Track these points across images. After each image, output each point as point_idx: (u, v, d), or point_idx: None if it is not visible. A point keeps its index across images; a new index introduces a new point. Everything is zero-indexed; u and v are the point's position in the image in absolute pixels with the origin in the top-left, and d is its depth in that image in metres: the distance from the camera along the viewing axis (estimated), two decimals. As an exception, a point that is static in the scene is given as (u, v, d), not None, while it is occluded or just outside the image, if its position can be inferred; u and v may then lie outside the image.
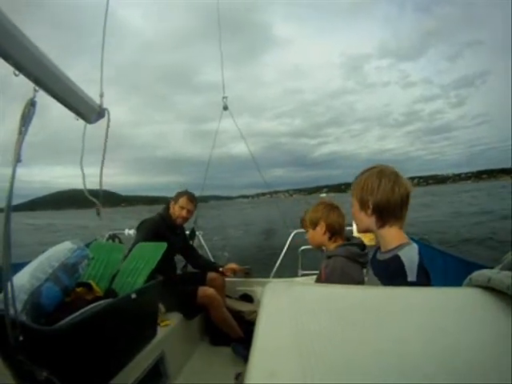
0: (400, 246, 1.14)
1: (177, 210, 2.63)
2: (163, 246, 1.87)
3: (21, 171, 1.13)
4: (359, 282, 1.50)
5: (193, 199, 2.68)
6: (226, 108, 3.48)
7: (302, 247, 3.15)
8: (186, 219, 2.66)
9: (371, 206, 1.19)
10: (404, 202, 1.17)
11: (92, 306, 1.41)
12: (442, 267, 2.06)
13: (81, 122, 1.47)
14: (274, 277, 3.13)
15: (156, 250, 1.82)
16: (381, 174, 1.18)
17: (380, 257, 1.23)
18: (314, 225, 1.77)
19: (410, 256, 1.10)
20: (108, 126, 1.57)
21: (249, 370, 0.46)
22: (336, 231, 1.73)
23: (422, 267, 1.07)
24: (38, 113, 1.16)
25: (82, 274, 1.58)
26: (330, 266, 1.62)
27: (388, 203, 1.16)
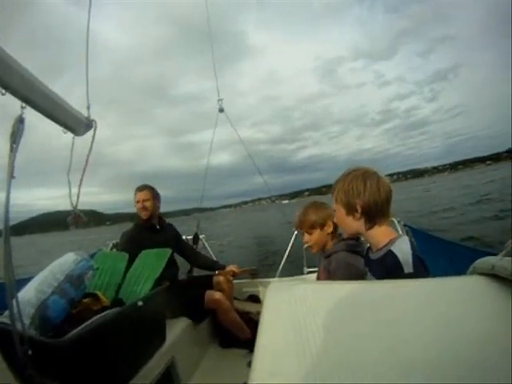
0: (391, 242, 1.18)
1: (136, 207, 2.66)
2: (167, 251, 1.92)
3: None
4: (363, 272, 1.52)
5: (141, 188, 2.68)
6: (221, 110, 3.49)
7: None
8: (144, 209, 2.63)
9: (359, 209, 1.21)
10: (389, 197, 1.21)
11: (99, 316, 1.46)
12: (445, 256, 2.05)
13: (66, 138, 1.51)
14: (279, 276, 3.15)
15: (160, 257, 1.87)
16: (365, 175, 1.22)
17: (373, 256, 1.25)
18: (322, 225, 1.76)
19: (403, 248, 1.13)
20: (94, 137, 1.62)
21: (251, 371, 0.49)
22: (336, 230, 1.75)
23: (416, 257, 1.09)
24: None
25: (88, 285, 1.65)
26: (333, 262, 1.64)
27: (376, 203, 1.19)
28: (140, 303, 1.53)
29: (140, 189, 2.69)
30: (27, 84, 1.24)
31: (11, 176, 1.18)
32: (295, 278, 3.04)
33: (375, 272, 1.24)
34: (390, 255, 1.12)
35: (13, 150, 1.21)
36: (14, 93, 1.20)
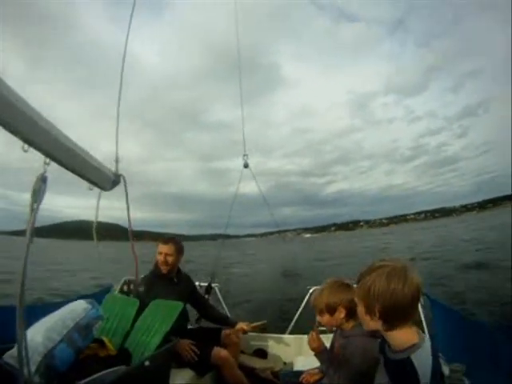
0: (412, 348, 1.11)
1: (157, 258, 2.59)
2: (179, 305, 1.88)
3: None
4: (379, 358, 1.48)
5: (167, 241, 2.61)
6: (246, 166, 3.51)
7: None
8: (166, 264, 2.56)
9: (377, 314, 1.15)
10: (415, 299, 1.12)
11: (104, 373, 1.43)
12: (462, 333, 1.98)
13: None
14: (290, 333, 3.10)
15: (171, 310, 1.84)
16: (390, 274, 1.13)
17: (390, 355, 1.21)
18: (332, 311, 1.70)
19: (423, 360, 1.07)
20: (127, 194, 1.57)
21: None
22: (354, 312, 1.57)
23: (436, 370, 1.05)
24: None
25: (95, 334, 1.62)
26: (349, 347, 1.60)
27: (396, 308, 1.12)
28: (147, 363, 1.50)
29: (165, 241, 2.60)
30: (52, 140, 1.17)
31: (30, 241, 1.12)
32: (303, 336, 2.86)
33: (389, 371, 1.21)
34: (409, 365, 1.07)
35: (33, 210, 1.16)
36: (38, 149, 1.14)
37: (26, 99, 1.07)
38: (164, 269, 2.57)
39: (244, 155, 3.48)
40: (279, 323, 3.91)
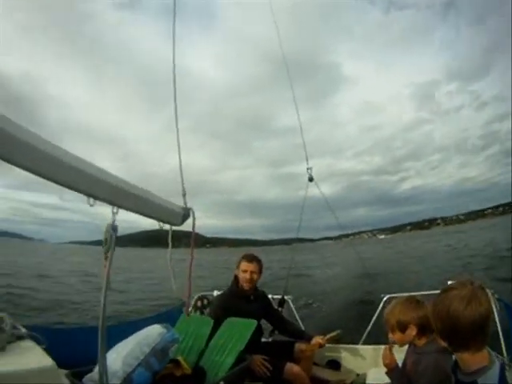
0: (480, 371, 1.12)
1: (241, 276, 2.65)
2: (252, 323, 1.92)
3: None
4: (451, 375, 1.44)
5: (251, 259, 2.68)
6: (311, 179, 3.43)
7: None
8: (250, 281, 2.63)
9: (439, 334, 1.21)
10: (475, 326, 1.10)
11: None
12: None
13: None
14: (363, 343, 3.03)
15: (245, 328, 1.88)
16: (452, 298, 1.15)
17: (460, 376, 1.22)
18: (404, 328, 1.70)
19: None
20: (194, 226, 1.59)
21: None
22: (427, 329, 1.64)
23: None
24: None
25: (171, 356, 1.71)
26: (421, 364, 1.59)
27: (454, 332, 1.13)
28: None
29: (250, 259, 2.68)
30: (117, 191, 1.19)
31: (107, 287, 1.19)
32: (377, 347, 2.77)
33: None
34: None
35: (107, 258, 1.22)
36: (104, 201, 1.15)
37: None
38: (247, 286, 2.64)
39: (307, 169, 3.42)
40: (358, 326, 3.86)
